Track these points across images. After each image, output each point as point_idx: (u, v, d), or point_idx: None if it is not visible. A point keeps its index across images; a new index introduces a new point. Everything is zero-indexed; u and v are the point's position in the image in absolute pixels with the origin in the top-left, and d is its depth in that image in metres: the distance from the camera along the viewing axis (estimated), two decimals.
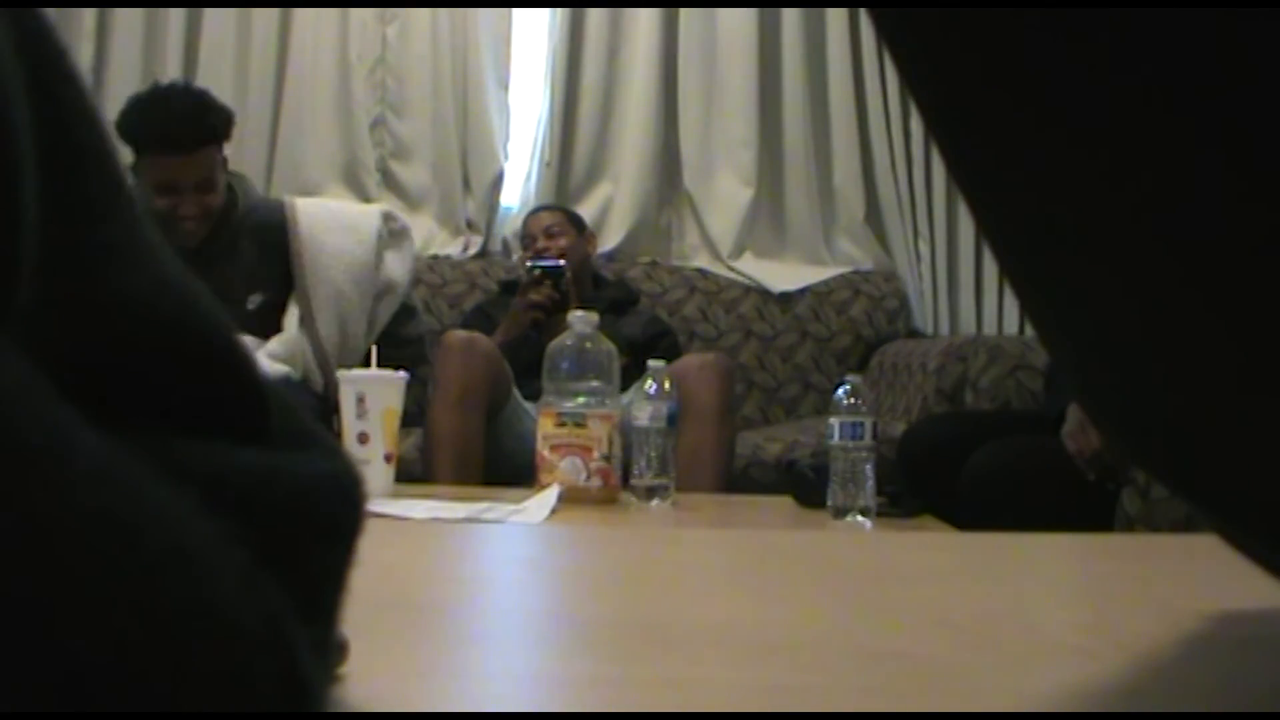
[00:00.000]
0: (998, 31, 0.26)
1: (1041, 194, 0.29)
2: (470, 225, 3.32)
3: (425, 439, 2.32)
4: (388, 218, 2.60)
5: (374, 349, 1.90)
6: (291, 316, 2.39)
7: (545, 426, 1.78)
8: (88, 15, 3.19)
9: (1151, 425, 0.34)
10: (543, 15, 3.38)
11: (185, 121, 2.23)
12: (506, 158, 3.35)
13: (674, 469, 1.80)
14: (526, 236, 2.84)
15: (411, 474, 2.25)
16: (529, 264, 2.64)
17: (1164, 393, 0.32)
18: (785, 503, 1.85)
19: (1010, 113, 0.28)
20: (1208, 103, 0.25)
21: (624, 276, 3.13)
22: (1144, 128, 0.26)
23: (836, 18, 3.33)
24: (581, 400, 1.77)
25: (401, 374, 1.79)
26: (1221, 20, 0.24)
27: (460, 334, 2.35)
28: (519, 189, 3.38)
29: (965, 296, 3.25)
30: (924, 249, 3.29)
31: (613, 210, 3.33)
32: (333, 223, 2.49)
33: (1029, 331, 2.75)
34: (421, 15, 3.29)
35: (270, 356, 2.29)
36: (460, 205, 3.30)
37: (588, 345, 1.81)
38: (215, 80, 3.05)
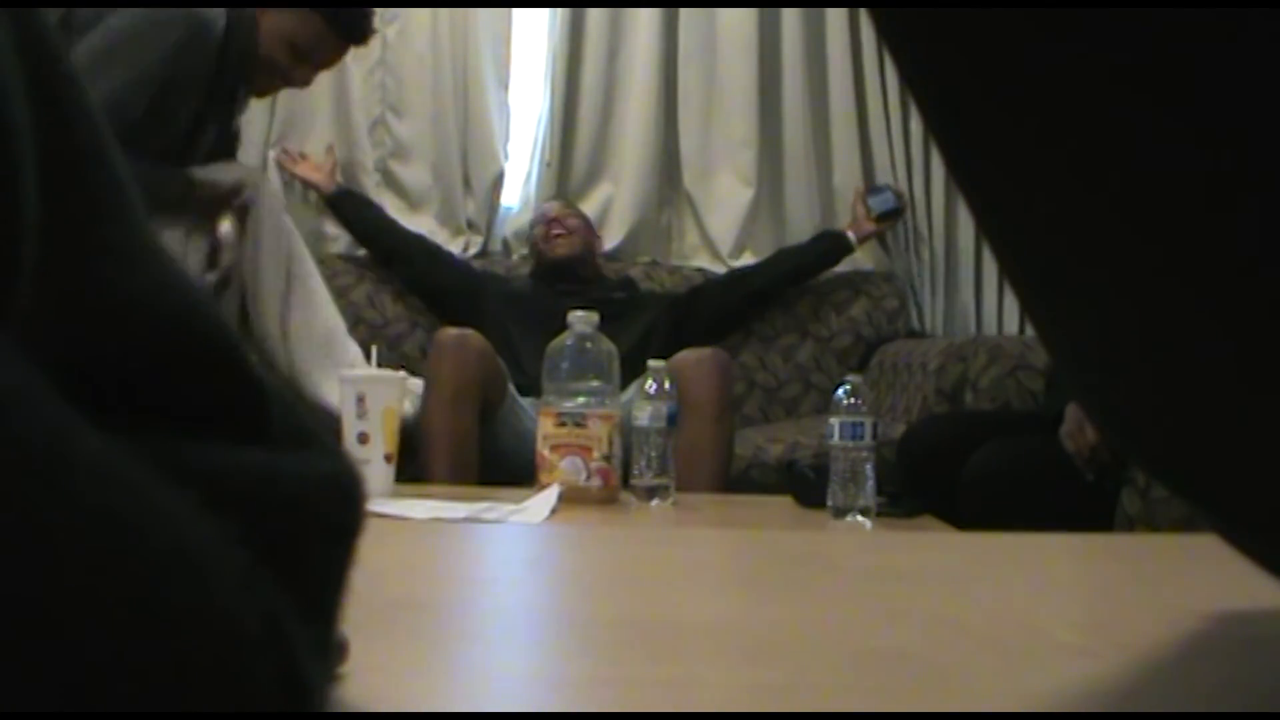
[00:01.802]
0: (998, 32, 0.26)
1: (1041, 193, 0.29)
2: (471, 225, 3.32)
3: (419, 438, 2.30)
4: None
5: (374, 349, 1.89)
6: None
7: (545, 426, 1.77)
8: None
9: (1150, 424, 0.34)
10: (543, 15, 3.38)
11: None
12: (506, 158, 3.35)
13: (674, 469, 1.80)
14: (539, 222, 3.04)
15: (413, 473, 2.24)
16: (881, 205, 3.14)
17: (1163, 392, 0.32)
18: (785, 503, 1.85)
19: (1010, 112, 0.28)
20: (1208, 103, 0.25)
21: (627, 275, 3.14)
22: (1144, 128, 0.26)
23: (836, 18, 3.33)
24: (581, 400, 1.77)
25: (402, 374, 1.79)
26: (1222, 20, 0.24)
27: (452, 331, 2.28)
28: (519, 189, 3.38)
29: (965, 296, 3.25)
30: (924, 249, 3.29)
31: (613, 210, 3.33)
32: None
33: (1029, 331, 2.75)
34: (421, 15, 3.28)
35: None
36: (460, 205, 3.30)
37: (588, 345, 1.81)
38: None
